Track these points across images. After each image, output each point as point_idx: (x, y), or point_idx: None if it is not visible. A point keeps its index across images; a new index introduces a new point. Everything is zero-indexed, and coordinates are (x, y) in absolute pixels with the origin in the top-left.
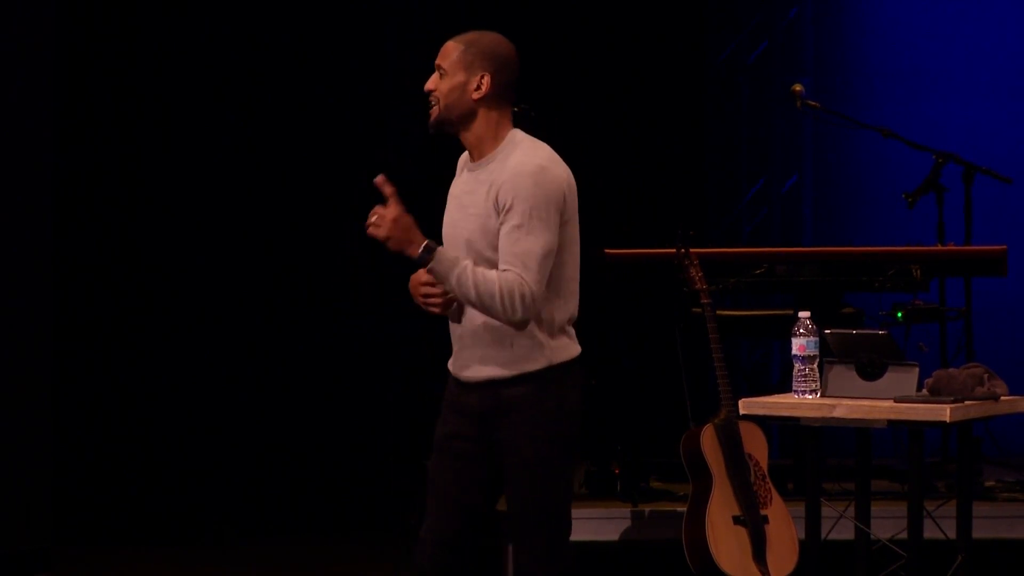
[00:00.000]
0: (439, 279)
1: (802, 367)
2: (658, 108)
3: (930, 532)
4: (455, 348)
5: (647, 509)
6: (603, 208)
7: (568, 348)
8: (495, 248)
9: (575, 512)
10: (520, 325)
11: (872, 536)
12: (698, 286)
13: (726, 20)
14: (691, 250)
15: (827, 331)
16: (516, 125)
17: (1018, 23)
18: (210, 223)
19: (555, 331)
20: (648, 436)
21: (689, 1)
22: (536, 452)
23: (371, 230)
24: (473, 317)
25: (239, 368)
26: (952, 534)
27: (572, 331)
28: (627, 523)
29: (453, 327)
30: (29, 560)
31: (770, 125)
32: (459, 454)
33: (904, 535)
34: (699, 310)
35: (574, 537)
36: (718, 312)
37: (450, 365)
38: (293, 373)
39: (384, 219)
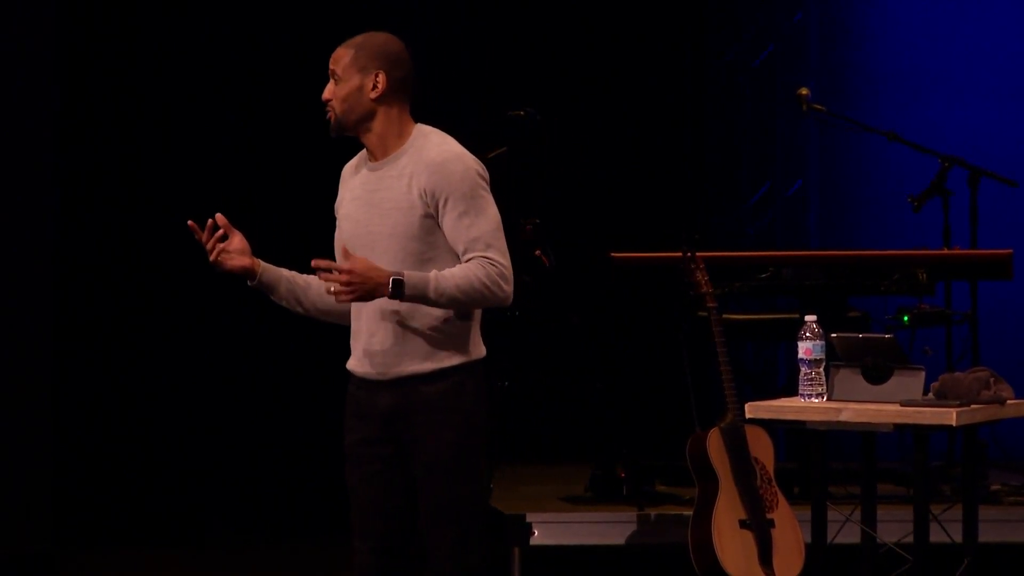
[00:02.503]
0: (417, 301)
1: (808, 371)
2: (662, 111)
3: (936, 536)
4: (362, 347)
5: (653, 513)
6: (607, 212)
7: (479, 346)
8: (419, 239)
9: (581, 516)
10: (505, 302)
11: (878, 540)
12: (704, 290)
13: (730, 23)
14: (697, 254)
15: (833, 335)
16: (520, 128)
17: (1020, 25)
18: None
19: (472, 326)
20: (654, 440)
21: (693, 4)
22: (449, 452)
23: (344, 296)
24: (387, 314)
25: (240, 369)
26: (958, 538)
27: (479, 331)
28: (633, 527)
29: (359, 325)
30: (31, 562)
31: (775, 129)
32: (370, 459)
33: (910, 539)
34: (705, 314)
35: (581, 541)
36: (723, 316)
37: (354, 366)
38: (294, 374)
39: (351, 281)
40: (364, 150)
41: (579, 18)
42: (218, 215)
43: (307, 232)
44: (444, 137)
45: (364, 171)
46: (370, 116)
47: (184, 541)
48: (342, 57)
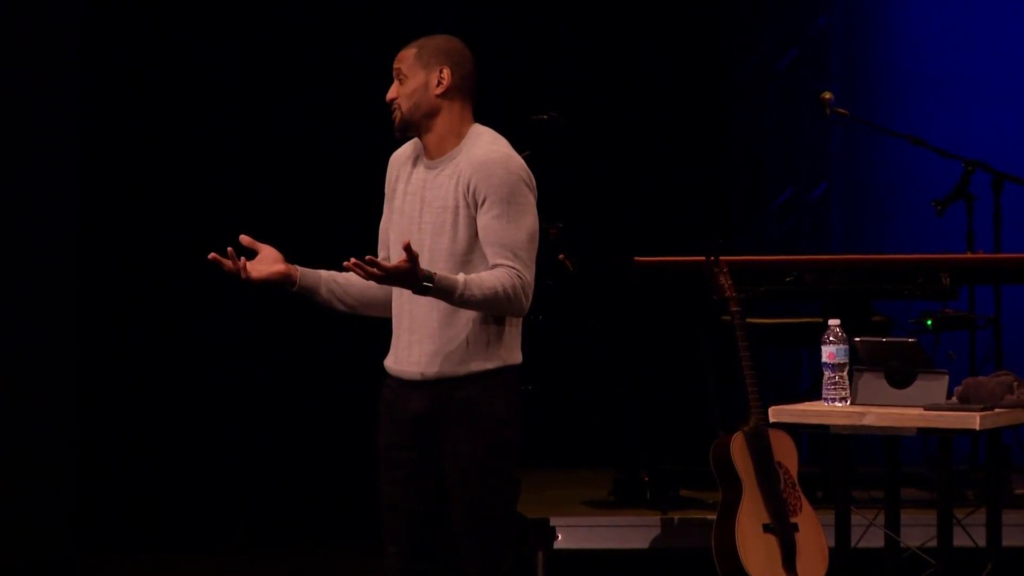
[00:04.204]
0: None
1: (832, 375)
2: (686, 116)
3: (959, 540)
4: (400, 344)
5: (676, 517)
6: (630, 216)
7: (516, 351)
8: (465, 240)
9: (604, 520)
10: (519, 315)
11: (901, 544)
12: (727, 294)
13: (754, 28)
14: (720, 258)
15: (857, 339)
16: (545, 132)
17: None
18: (223, 231)
19: (513, 332)
20: (677, 444)
21: (717, 9)
22: (478, 459)
23: (373, 279)
24: (426, 311)
25: (262, 373)
26: (981, 542)
27: (520, 336)
28: (656, 531)
29: (399, 324)
30: (50, 568)
31: (799, 133)
32: (400, 464)
33: (933, 543)
34: (728, 318)
35: (604, 545)
36: (747, 320)
37: (391, 363)
38: (317, 378)
39: (389, 275)
40: (416, 139)
41: (603, 22)
42: (242, 236)
43: (329, 230)
44: (496, 138)
45: (421, 167)
46: (435, 112)
47: (204, 546)
48: (407, 56)
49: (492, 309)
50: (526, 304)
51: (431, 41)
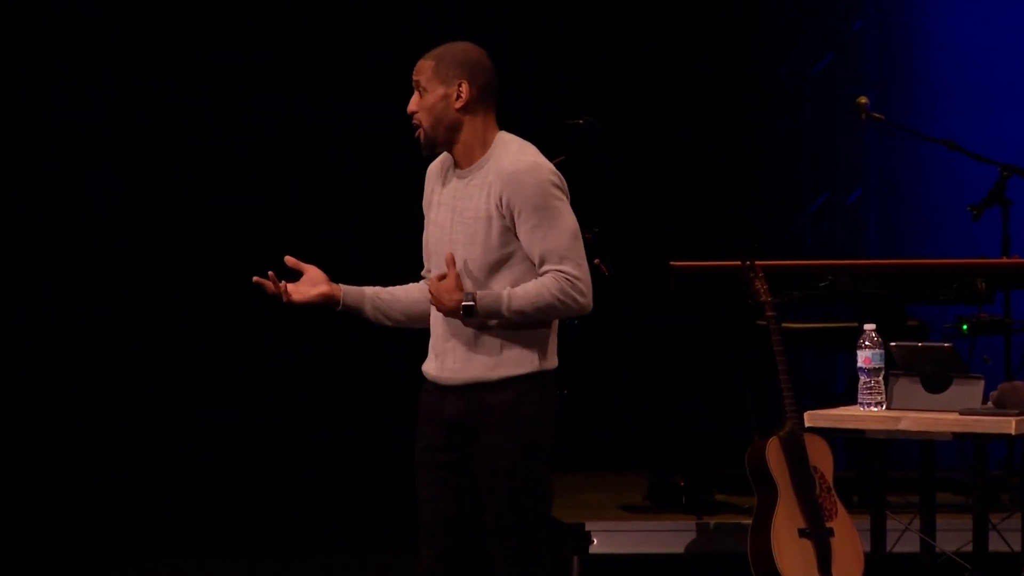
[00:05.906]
0: (492, 319)
1: (867, 380)
2: (721, 121)
3: (995, 545)
4: (436, 350)
5: (712, 521)
6: (666, 221)
7: (551, 356)
8: (496, 250)
9: (640, 525)
10: (584, 311)
11: (937, 549)
12: (763, 298)
13: (789, 33)
14: (756, 262)
15: (892, 344)
16: (581, 137)
17: None
18: (258, 240)
19: (547, 336)
20: (713, 448)
21: (752, 14)
22: (511, 462)
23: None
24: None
25: (295, 378)
26: (1017, 547)
27: (556, 341)
28: (692, 535)
29: (435, 327)
30: (86, 573)
31: (834, 138)
32: (435, 466)
33: (969, 548)
34: (763, 322)
35: (640, 549)
36: (782, 324)
37: (427, 367)
38: (349, 383)
39: (442, 299)
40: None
41: (638, 27)
42: (287, 257)
43: (372, 244)
44: (523, 145)
45: (452, 178)
46: (457, 127)
47: (238, 551)
48: (425, 69)
49: (549, 316)
50: (582, 301)
51: (449, 52)
